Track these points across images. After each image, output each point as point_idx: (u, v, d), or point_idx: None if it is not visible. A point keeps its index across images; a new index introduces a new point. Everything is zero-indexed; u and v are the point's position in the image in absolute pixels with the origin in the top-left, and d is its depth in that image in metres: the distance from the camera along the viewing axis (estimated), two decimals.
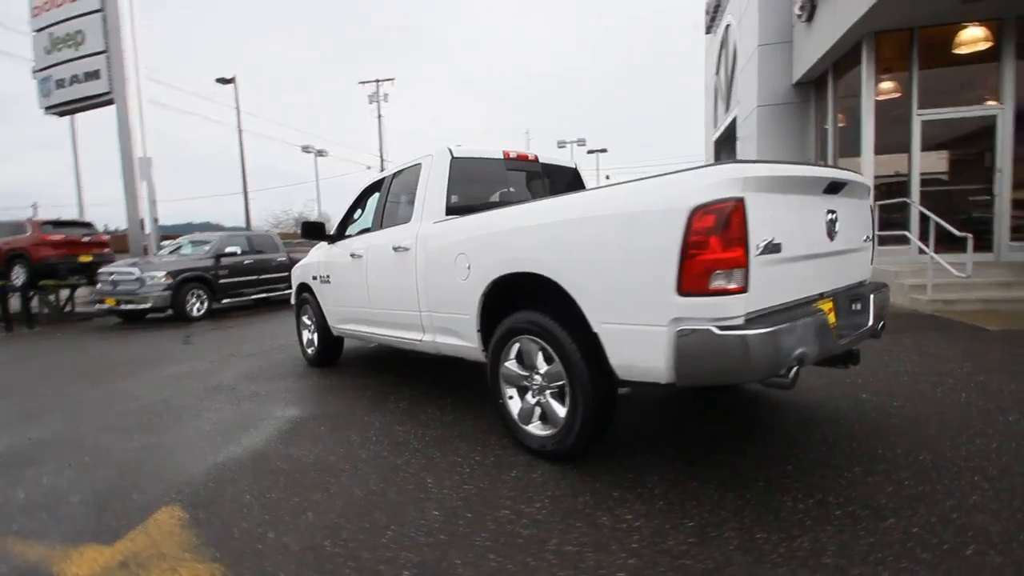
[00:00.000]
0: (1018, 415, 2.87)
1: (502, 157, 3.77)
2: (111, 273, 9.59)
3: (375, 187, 4.45)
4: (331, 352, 5.07)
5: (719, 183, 1.84)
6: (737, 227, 1.83)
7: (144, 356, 6.25)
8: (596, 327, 2.22)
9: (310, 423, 3.38)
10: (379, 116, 34.38)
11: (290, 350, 6.07)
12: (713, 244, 1.84)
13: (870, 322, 2.52)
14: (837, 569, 1.66)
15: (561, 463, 2.53)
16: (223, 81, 21.28)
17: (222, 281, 10.45)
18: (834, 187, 2.34)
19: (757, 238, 1.88)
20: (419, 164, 3.63)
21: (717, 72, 13.71)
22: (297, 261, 12.09)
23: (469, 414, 3.36)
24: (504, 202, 3.77)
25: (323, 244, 4.93)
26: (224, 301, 10.65)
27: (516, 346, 2.70)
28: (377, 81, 34.27)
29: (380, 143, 34.15)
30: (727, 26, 12.25)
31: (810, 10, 8.11)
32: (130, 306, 9.26)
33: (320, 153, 26.92)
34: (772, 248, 1.94)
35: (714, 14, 13.64)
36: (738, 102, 11.02)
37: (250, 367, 5.25)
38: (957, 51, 6.90)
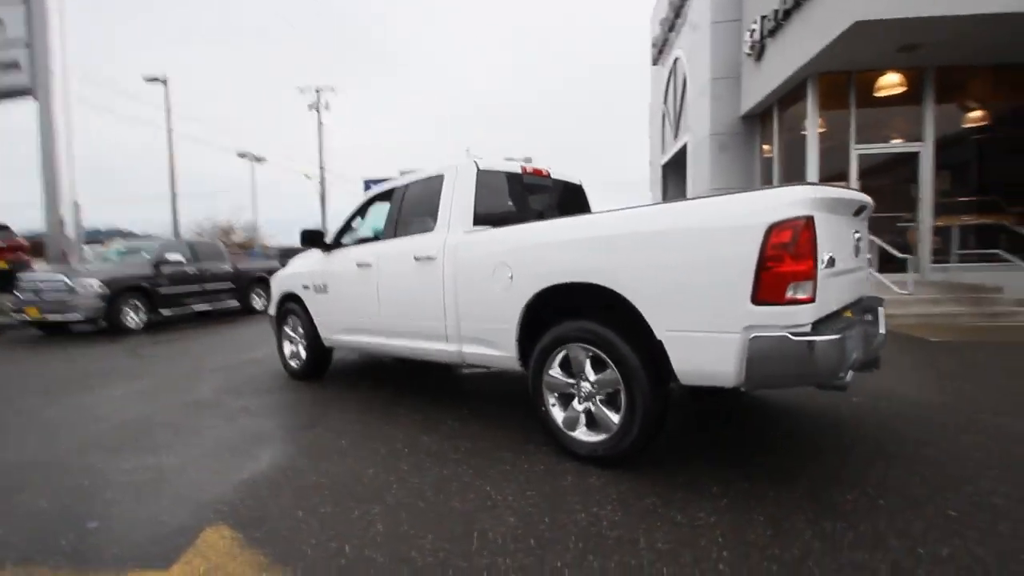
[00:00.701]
0: (991, 414, 3.29)
1: (520, 172, 3.84)
2: (34, 281, 8.61)
3: (381, 197, 4.38)
4: (320, 364, 4.86)
5: (793, 202, 2.02)
6: (808, 242, 2.02)
7: (93, 371, 5.66)
8: (660, 335, 2.34)
9: (326, 436, 3.23)
10: (319, 124, 33.43)
11: (265, 363, 5.75)
12: (788, 257, 2.01)
13: (882, 330, 2.81)
14: (905, 550, 1.84)
15: (609, 468, 2.59)
16: (153, 80, 19.85)
17: (162, 291, 9.68)
18: (859, 210, 2.62)
19: (822, 252, 2.08)
20: (441, 175, 3.63)
21: (665, 101, 14.59)
22: (244, 272, 11.66)
23: (493, 424, 3.36)
24: (521, 215, 3.85)
25: (314, 253, 4.76)
26: (164, 313, 9.84)
27: (561, 355, 2.76)
28: (318, 89, 33.38)
29: (320, 152, 33.14)
30: (676, 59, 13.12)
31: (759, 50, 8.90)
32: (57, 317, 8.34)
33: (258, 159, 25.65)
34: (831, 262, 2.15)
35: (662, 47, 14.56)
36: (689, 129, 11.79)
37: (226, 381, 4.91)
38: (887, 93, 7.83)
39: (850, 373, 2.16)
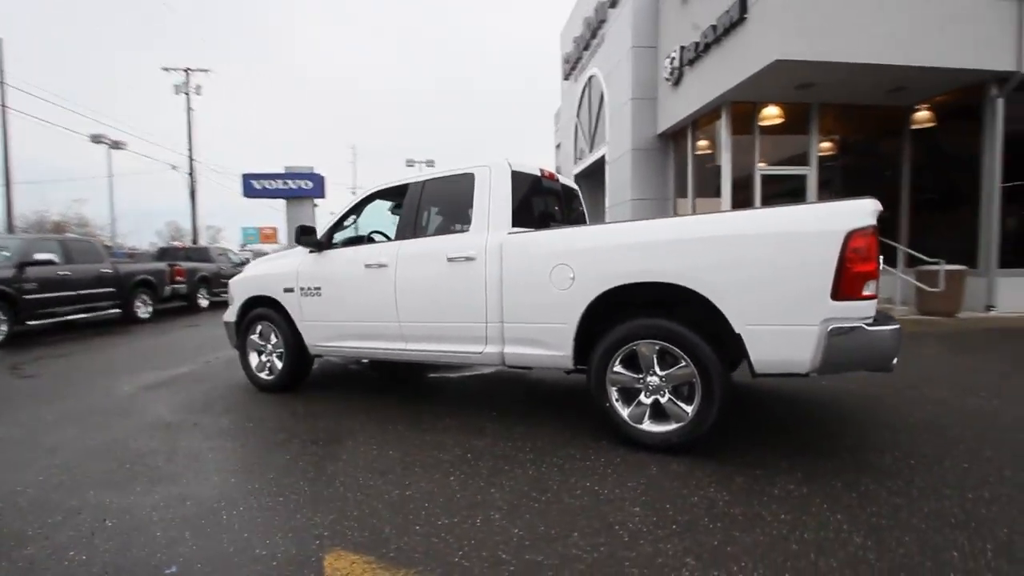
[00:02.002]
0: (945, 391, 4.05)
1: (540, 175, 3.91)
2: None
3: (384, 195, 4.17)
4: (298, 375, 4.46)
5: (865, 213, 2.38)
6: (875, 246, 2.39)
7: None
8: (739, 329, 2.58)
9: (369, 449, 3.01)
10: (188, 109, 29.86)
11: (215, 376, 5.11)
12: (862, 259, 2.36)
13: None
14: (963, 523, 2.24)
15: (678, 455, 2.77)
16: None
17: (29, 297, 8.03)
18: None
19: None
20: (470, 174, 3.58)
21: (578, 114, 15.44)
22: (127, 274, 10.05)
23: (534, 423, 3.38)
24: (543, 216, 3.92)
25: (295, 252, 4.37)
26: (30, 323, 8.15)
27: (626, 352, 2.90)
28: (187, 70, 29.84)
29: (190, 140, 29.59)
30: (591, 76, 13.97)
31: (677, 77, 9.88)
32: None
33: (116, 145, 22.05)
34: (881, 265, 2.56)
35: (575, 64, 15.40)
36: (606, 143, 12.63)
37: (180, 399, 4.29)
38: (783, 123, 9.14)
39: (896, 359, 2.57)
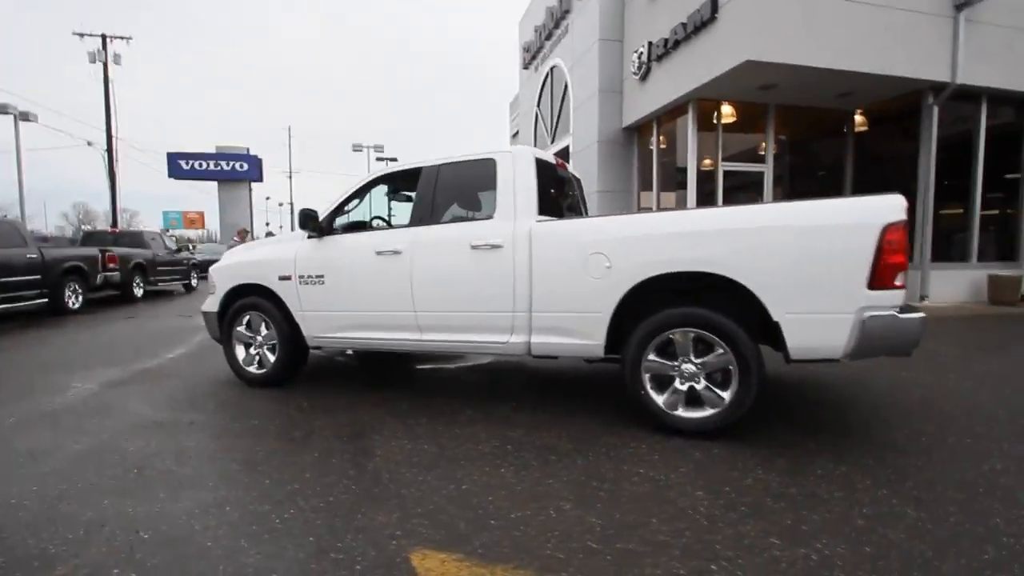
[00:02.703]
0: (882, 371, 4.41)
1: (554, 163, 3.88)
2: None
3: (392, 179, 3.99)
4: (292, 368, 4.21)
5: (898, 208, 2.54)
6: (905, 240, 2.56)
7: None
8: (778, 317, 2.69)
9: (393, 444, 2.89)
10: (106, 80, 27.20)
11: (185, 372, 4.74)
12: (895, 251, 2.52)
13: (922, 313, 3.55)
14: (990, 491, 2.48)
15: (713, 439, 2.87)
16: None
17: None
18: None
19: None
20: (491, 160, 3.49)
21: (539, 104, 15.45)
22: (54, 261, 9.05)
23: (557, 413, 3.38)
24: (558, 205, 3.90)
25: (291, 238, 4.10)
26: None
27: (661, 340, 2.95)
28: (105, 36, 27.15)
29: (108, 115, 26.97)
30: (553, 67, 14.00)
31: (645, 72, 10.09)
32: None
33: (25, 117, 19.64)
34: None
35: (536, 53, 15.36)
36: (571, 134, 12.74)
37: (157, 396, 3.95)
38: (744, 121, 9.59)
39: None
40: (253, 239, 10.95)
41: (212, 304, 4.37)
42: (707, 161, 9.56)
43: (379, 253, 3.62)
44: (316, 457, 2.73)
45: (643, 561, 1.79)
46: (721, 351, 2.82)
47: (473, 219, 3.45)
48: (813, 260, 2.63)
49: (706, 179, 9.56)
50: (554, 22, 13.51)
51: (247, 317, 4.22)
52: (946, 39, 8.03)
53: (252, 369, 4.23)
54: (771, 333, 2.79)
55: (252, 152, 33.22)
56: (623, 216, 3.11)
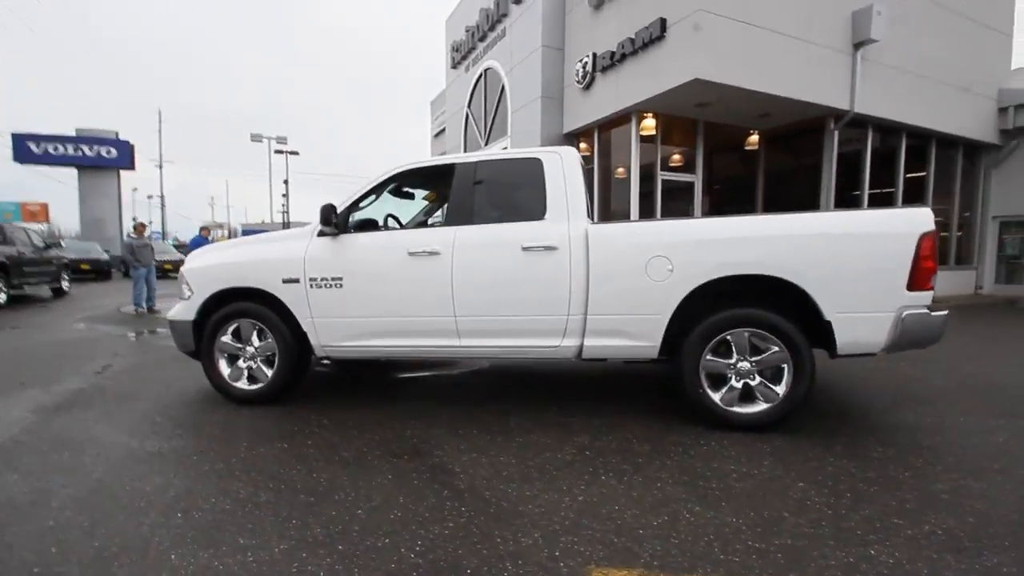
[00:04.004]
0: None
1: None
2: None
3: (418, 174, 3.73)
4: (295, 382, 3.77)
5: (930, 219, 2.88)
6: (936, 247, 2.92)
7: None
8: (830, 316, 2.93)
9: (464, 459, 2.71)
10: None
11: (136, 390, 4.05)
12: (930, 256, 2.87)
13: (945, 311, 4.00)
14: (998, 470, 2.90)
15: (769, 432, 3.04)
16: None
17: None
18: None
19: None
20: (536, 159, 3.41)
21: (470, 104, 15.32)
22: None
23: (607, 415, 3.38)
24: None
25: (294, 235, 3.67)
26: None
27: (718, 340, 3.08)
28: None
29: None
30: (487, 68, 13.97)
31: (589, 81, 10.44)
32: None
33: None
34: None
35: (466, 54, 15.23)
36: (509, 137, 12.80)
37: (123, 422, 3.35)
38: (678, 135, 10.31)
39: None
40: (138, 237, 9.47)
41: (186, 311, 3.76)
42: (647, 170, 10.13)
43: (412, 254, 3.36)
44: (391, 480, 2.46)
45: (810, 555, 1.85)
46: (776, 349, 3.00)
47: (517, 220, 3.32)
48: (862, 264, 2.90)
49: (646, 187, 10.11)
50: (489, 24, 13.49)
51: (233, 325, 3.69)
52: (847, 73, 9.29)
53: (241, 385, 3.71)
54: (815, 331, 3.02)
55: (123, 137, 29.20)
56: (686, 220, 3.19)
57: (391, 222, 4.12)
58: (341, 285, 3.47)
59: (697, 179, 10.53)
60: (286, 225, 40.15)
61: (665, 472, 2.53)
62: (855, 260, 2.91)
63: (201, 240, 9.67)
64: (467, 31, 14.85)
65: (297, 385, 3.83)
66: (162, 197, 42.04)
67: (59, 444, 2.93)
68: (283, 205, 40.79)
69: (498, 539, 1.95)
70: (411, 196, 4.43)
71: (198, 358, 3.81)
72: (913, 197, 11.36)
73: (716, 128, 10.63)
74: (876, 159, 10.62)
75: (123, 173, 29.39)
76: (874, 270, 2.90)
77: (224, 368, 3.73)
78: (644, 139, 10.00)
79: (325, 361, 5.04)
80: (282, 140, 28.29)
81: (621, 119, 10.19)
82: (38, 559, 1.83)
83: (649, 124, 9.96)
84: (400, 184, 3.80)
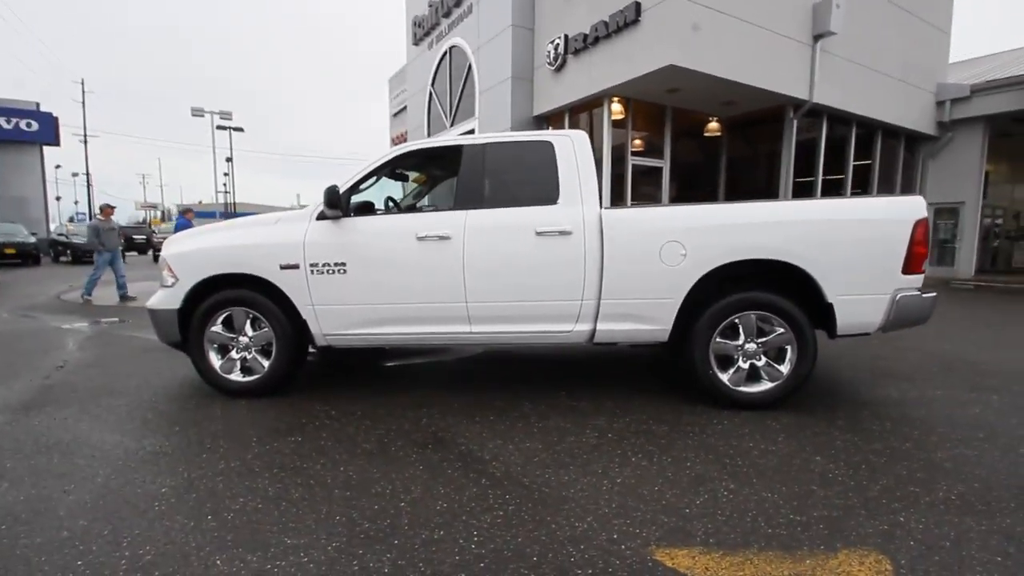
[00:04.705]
0: None
1: None
2: None
3: (422, 155, 3.60)
4: (293, 373, 3.61)
5: (923, 207, 3.07)
6: (928, 233, 3.11)
7: None
8: (832, 299, 3.08)
9: (490, 446, 2.70)
10: None
11: (110, 382, 3.82)
12: (923, 242, 3.05)
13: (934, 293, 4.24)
14: (998, 442, 3.16)
15: (775, 409, 3.19)
16: None
17: None
18: None
19: None
20: (548, 143, 3.37)
21: (433, 83, 14.92)
22: None
23: (615, 397, 3.44)
24: None
25: (290, 218, 3.49)
26: None
27: (727, 322, 3.18)
28: None
29: None
30: (453, 46, 13.61)
31: (560, 64, 10.37)
32: None
33: None
34: None
35: (429, 30, 14.77)
36: (476, 118, 12.57)
37: (116, 420, 3.12)
38: (647, 120, 10.45)
39: None
40: (105, 220, 8.78)
41: (169, 299, 3.51)
42: (617, 154, 10.24)
43: (422, 238, 3.26)
44: (424, 471, 2.41)
45: (848, 524, 1.96)
46: (782, 331, 3.14)
47: (529, 204, 3.28)
48: (862, 249, 3.05)
49: (614, 169, 10.23)
50: (454, 0, 13.12)
51: (225, 314, 3.48)
52: (806, 64, 9.67)
53: (235, 376, 3.52)
54: (814, 313, 3.18)
55: (44, 109, 26.73)
56: (699, 206, 3.24)
57: (389, 205, 3.98)
58: (345, 271, 3.33)
59: (665, 164, 10.75)
60: (229, 206, 38.15)
61: (690, 451, 2.61)
62: (856, 245, 3.06)
63: (185, 223, 9.07)
64: (430, 6, 14.39)
65: (295, 376, 3.67)
66: (88, 174, 38.78)
67: (43, 446, 2.69)
68: (225, 184, 38.72)
69: (552, 525, 1.95)
70: (406, 179, 4.29)
71: (184, 349, 3.58)
72: (860, 184, 12.07)
73: (683, 114, 10.85)
74: (828, 147, 11.18)
75: (47, 149, 26.99)
76: (873, 255, 3.06)
77: (215, 360, 3.52)
78: (615, 123, 10.09)
79: (311, 350, 4.86)
80: (226, 115, 26.61)
81: (593, 103, 10.23)
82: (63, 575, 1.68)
83: (620, 108, 10.04)
84: (402, 166, 3.66)
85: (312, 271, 3.34)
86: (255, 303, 3.43)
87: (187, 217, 9.41)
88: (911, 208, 3.06)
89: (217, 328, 3.49)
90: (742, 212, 3.15)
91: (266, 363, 3.49)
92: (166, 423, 3.04)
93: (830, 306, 3.09)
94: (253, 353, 3.51)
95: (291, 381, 3.64)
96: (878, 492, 2.20)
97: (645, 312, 3.22)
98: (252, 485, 2.26)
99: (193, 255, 3.50)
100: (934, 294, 3.17)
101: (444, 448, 2.67)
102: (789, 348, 3.16)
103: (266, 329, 3.46)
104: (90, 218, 37.88)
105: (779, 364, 3.19)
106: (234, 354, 3.52)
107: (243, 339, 3.50)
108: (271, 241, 3.40)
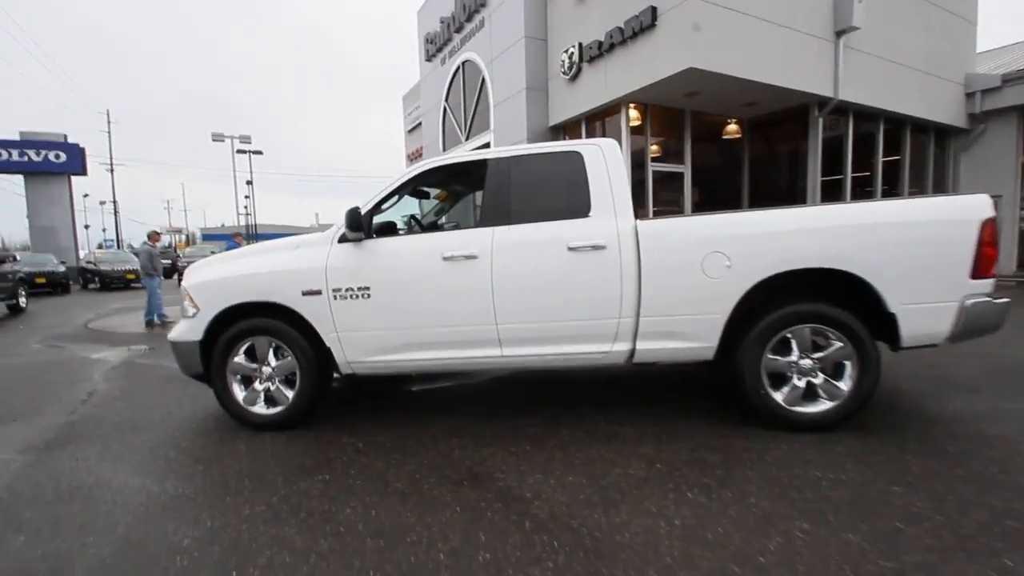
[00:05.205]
0: None
1: None
2: None
3: (444, 172, 3.47)
4: (318, 403, 3.47)
5: (989, 206, 2.81)
6: (996, 234, 2.84)
7: None
8: (894, 308, 2.83)
9: (552, 483, 2.50)
10: None
11: (135, 416, 3.71)
12: (992, 243, 2.79)
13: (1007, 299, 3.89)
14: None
15: (833, 431, 2.93)
16: None
17: None
18: None
19: None
20: (576, 153, 3.20)
21: (447, 98, 14.94)
22: None
23: (663, 421, 3.22)
24: None
25: (310, 242, 3.36)
26: None
27: (779, 338, 2.95)
28: None
29: None
30: (466, 61, 13.62)
31: (575, 72, 10.25)
32: None
33: None
34: None
35: (442, 46, 14.82)
36: (492, 131, 12.50)
37: (135, 457, 3.01)
38: (665, 124, 10.25)
39: None
40: (153, 245, 8.85)
41: (192, 331, 3.41)
42: (637, 160, 10.04)
43: (447, 259, 3.11)
44: (461, 514, 2.22)
45: (947, 571, 1.72)
46: (840, 344, 2.89)
47: (559, 218, 3.10)
48: (926, 253, 2.80)
49: (635, 178, 10.02)
50: (466, 15, 13.14)
51: (248, 344, 3.37)
52: (830, 60, 9.37)
53: (258, 409, 3.39)
54: (873, 323, 2.92)
55: (72, 140, 27.55)
56: (743, 213, 3.02)
57: (412, 224, 3.84)
58: (369, 295, 3.19)
59: (686, 168, 10.51)
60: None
61: (751, 484, 2.38)
62: (919, 249, 2.81)
63: (235, 246, 9.11)
64: (442, 22, 14.45)
65: (318, 406, 3.52)
66: (115, 202, 39.88)
67: (64, 492, 2.58)
68: (246, 207, 39.42)
69: (680, 550, 1.75)
70: (427, 196, 4.16)
71: (206, 382, 3.47)
72: (889, 181, 11.65)
73: (702, 117, 10.62)
74: (855, 144, 10.81)
75: (74, 179, 27.78)
76: (938, 259, 2.81)
77: (238, 392, 3.40)
78: (633, 130, 9.90)
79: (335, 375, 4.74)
80: (245, 139, 27.13)
81: (610, 110, 10.05)
82: None
83: (637, 115, 9.86)
84: (424, 183, 3.53)
85: (335, 296, 3.21)
86: (278, 332, 3.31)
87: (236, 240, 9.42)
88: (977, 207, 2.80)
89: (240, 359, 3.37)
90: (791, 218, 2.93)
91: (290, 394, 3.36)
92: (189, 462, 2.91)
93: (892, 316, 2.84)
94: (277, 384, 3.38)
95: (315, 411, 3.49)
96: (974, 529, 1.95)
97: (688, 329, 3.01)
98: (278, 534, 2.10)
99: (213, 284, 3.40)
100: (1007, 300, 2.90)
101: (481, 485, 2.48)
102: (849, 363, 2.91)
103: (289, 358, 3.33)
104: (118, 245, 38.94)
105: (838, 381, 2.94)
106: (257, 385, 3.40)
107: (266, 369, 3.37)
108: (292, 267, 3.28)
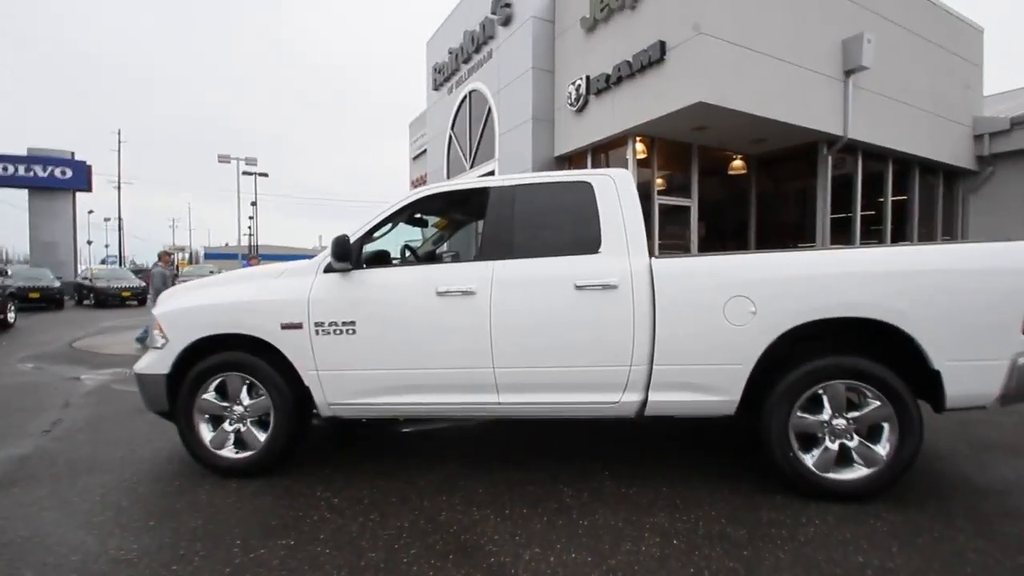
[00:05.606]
0: None
1: None
2: None
3: (442, 199, 3.22)
4: (292, 448, 3.14)
5: None
6: None
7: None
8: (939, 365, 2.52)
9: (552, 559, 2.16)
10: None
11: (95, 453, 3.36)
12: None
13: None
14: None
15: (866, 502, 2.59)
16: None
17: None
18: None
19: None
20: (586, 183, 2.96)
21: (453, 126, 14.95)
22: None
23: (675, 483, 2.88)
24: None
25: (293, 270, 3.09)
26: None
27: (810, 394, 2.64)
28: None
29: None
30: (472, 91, 13.66)
31: (582, 104, 10.20)
32: None
33: None
34: None
35: (449, 76, 14.92)
36: (496, 160, 12.42)
37: (82, 505, 2.65)
38: (672, 159, 10.13)
39: None
40: (165, 266, 8.60)
41: (158, 364, 3.10)
42: (643, 194, 9.87)
43: (442, 294, 2.83)
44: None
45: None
46: (878, 403, 2.58)
47: (566, 253, 2.84)
48: (976, 304, 2.52)
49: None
50: (474, 47, 13.23)
51: (218, 380, 3.06)
52: (839, 99, 9.30)
53: (227, 452, 3.06)
54: (916, 381, 2.62)
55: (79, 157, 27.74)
56: (771, 254, 2.74)
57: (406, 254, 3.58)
58: (354, 331, 2.89)
59: (693, 203, 10.33)
60: (253, 248, 38.72)
61: (785, 570, 2.04)
62: (966, 300, 2.52)
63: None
64: (450, 53, 14.56)
65: (294, 452, 3.19)
66: (120, 219, 39.98)
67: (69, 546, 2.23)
68: (250, 228, 39.53)
69: None
70: (426, 224, 3.91)
71: (171, 419, 3.15)
72: (899, 220, 11.47)
73: (710, 152, 10.51)
74: (864, 182, 10.66)
75: (79, 195, 27.87)
76: (986, 311, 2.52)
77: (206, 433, 3.07)
78: (640, 163, 9.77)
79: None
80: (251, 161, 27.28)
81: (616, 142, 9.95)
82: None
83: (643, 148, 9.74)
84: (421, 211, 3.28)
85: (317, 331, 2.92)
86: (253, 368, 3.01)
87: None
88: None
89: (209, 396, 3.06)
90: (823, 261, 2.65)
91: (263, 436, 3.03)
92: (142, 514, 2.57)
93: (937, 374, 2.54)
94: (248, 425, 3.06)
95: (291, 455, 3.16)
96: None
97: (707, 380, 2.70)
98: None
99: (185, 313, 3.11)
100: None
101: (469, 560, 2.14)
102: (887, 425, 2.59)
103: (264, 397, 3.02)
104: (120, 262, 38.82)
105: (875, 444, 2.61)
106: (227, 425, 3.08)
107: (238, 408, 3.06)
108: (272, 297, 3.00)
